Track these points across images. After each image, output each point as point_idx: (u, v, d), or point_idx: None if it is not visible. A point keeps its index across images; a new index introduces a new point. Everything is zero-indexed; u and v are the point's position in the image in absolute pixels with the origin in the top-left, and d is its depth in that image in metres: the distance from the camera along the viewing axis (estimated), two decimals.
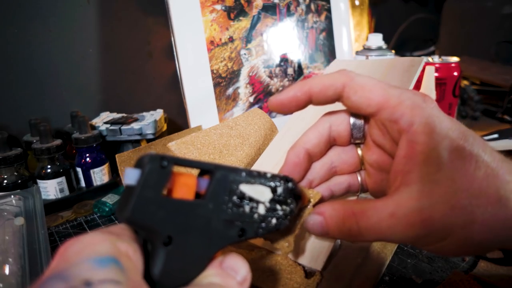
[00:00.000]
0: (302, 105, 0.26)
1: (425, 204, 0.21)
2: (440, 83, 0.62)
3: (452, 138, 0.22)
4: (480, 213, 0.20)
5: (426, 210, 0.21)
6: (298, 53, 0.73)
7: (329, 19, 0.78)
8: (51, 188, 0.54)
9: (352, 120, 0.28)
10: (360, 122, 0.27)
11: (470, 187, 0.21)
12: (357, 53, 0.72)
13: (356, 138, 0.28)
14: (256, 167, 0.39)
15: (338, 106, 0.27)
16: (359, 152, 0.29)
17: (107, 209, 0.50)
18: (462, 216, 0.21)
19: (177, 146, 0.39)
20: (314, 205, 0.26)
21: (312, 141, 0.28)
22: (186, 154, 0.39)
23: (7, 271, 0.33)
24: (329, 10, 0.78)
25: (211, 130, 0.43)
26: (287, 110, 0.27)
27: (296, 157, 0.28)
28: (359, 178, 0.30)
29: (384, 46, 0.70)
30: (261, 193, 0.23)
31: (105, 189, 0.57)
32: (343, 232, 0.23)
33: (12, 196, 0.44)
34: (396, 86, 0.24)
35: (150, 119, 0.62)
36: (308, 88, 0.25)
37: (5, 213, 0.41)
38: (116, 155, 0.44)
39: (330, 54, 0.78)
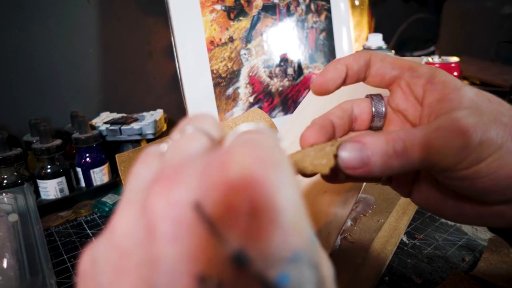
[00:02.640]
0: (341, 81, 0.26)
1: (470, 119, 0.20)
2: None
3: (470, 86, 0.23)
4: (511, 141, 0.20)
5: (472, 123, 0.20)
6: (298, 53, 0.73)
7: (329, 19, 0.78)
8: (51, 188, 0.54)
9: (373, 108, 0.28)
10: (382, 110, 0.28)
11: (500, 118, 0.21)
12: None
13: (375, 127, 0.28)
14: None
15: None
16: None
17: (107, 209, 0.50)
18: (507, 133, 0.20)
19: None
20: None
21: (336, 113, 0.27)
22: None
23: (5, 264, 0.33)
24: (329, 10, 0.78)
25: None
26: (329, 88, 0.26)
27: (322, 120, 0.27)
28: None
29: (384, 46, 0.70)
30: None
31: (105, 189, 0.57)
32: (385, 154, 0.21)
33: (4, 194, 0.45)
34: None
35: (150, 119, 0.62)
36: (343, 60, 0.26)
37: None
38: (116, 155, 0.44)
39: (330, 54, 0.78)
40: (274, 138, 0.13)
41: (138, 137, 0.60)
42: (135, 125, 0.60)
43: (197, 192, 0.10)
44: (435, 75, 0.24)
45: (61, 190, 0.55)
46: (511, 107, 0.22)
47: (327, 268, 0.12)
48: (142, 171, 0.13)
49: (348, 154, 0.21)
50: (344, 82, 0.27)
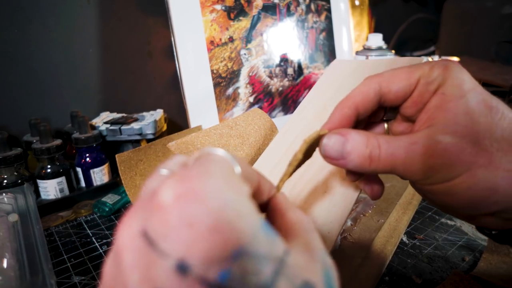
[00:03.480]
0: (353, 122, 0.26)
1: (446, 138, 0.21)
2: None
3: (479, 92, 0.22)
4: (499, 157, 0.21)
5: (446, 142, 0.21)
6: (298, 53, 0.73)
7: (329, 19, 0.78)
8: (51, 188, 0.54)
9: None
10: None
11: (494, 132, 0.21)
12: (357, 53, 0.72)
13: (388, 118, 0.28)
14: (256, 167, 0.39)
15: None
16: (385, 126, 0.29)
17: (107, 209, 0.50)
18: (481, 154, 0.21)
19: (177, 146, 0.39)
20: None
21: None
22: (186, 154, 0.39)
23: (5, 264, 0.33)
24: (329, 10, 0.78)
25: (211, 130, 0.43)
26: None
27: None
28: None
29: (384, 46, 0.70)
30: None
31: (105, 189, 0.57)
32: (362, 155, 0.22)
33: (4, 194, 0.45)
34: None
35: (150, 119, 0.62)
36: (351, 101, 0.25)
37: None
38: (116, 155, 0.44)
39: (330, 54, 0.78)
40: (212, 155, 0.15)
41: (138, 137, 0.60)
42: (135, 125, 0.60)
43: (143, 223, 0.12)
44: (446, 78, 0.23)
45: (61, 190, 0.55)
46: None
47: (294, 257, 0.13)
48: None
49: (330, 145, 0.23)
50: (356, 126, 0.25)
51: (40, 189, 0.54)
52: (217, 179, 0.13)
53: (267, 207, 0.20)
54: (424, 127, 0.23)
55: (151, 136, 0.61)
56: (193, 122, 0.62)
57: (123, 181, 0.45)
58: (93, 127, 0.60)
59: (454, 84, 0.23)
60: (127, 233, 0.13)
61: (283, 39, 0.71)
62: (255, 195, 0.18)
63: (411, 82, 0.24)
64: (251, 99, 0.68)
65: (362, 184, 0.29)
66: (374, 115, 0.28)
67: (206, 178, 0.13)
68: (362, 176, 0.28)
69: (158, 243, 0.12)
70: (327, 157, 0.24)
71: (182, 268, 0.11)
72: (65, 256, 0.42)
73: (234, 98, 0.66)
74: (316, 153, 0.41)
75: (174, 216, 0.12)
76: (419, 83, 0.24)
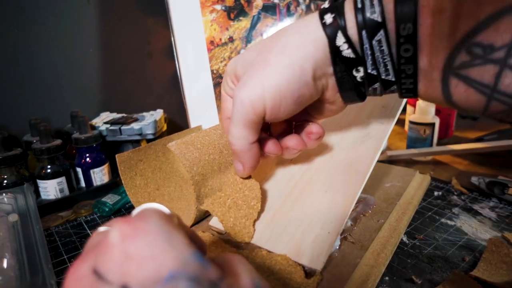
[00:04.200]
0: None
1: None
2: None
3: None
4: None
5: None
6: None
7: None
8: (51, 188, 0.54)
9: None
10: None
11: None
12: None
13: None
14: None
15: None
16: None
17: (107, 209, 0.50)
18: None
19: (177, 146, 0.39)
20: None
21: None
22: (186, 154, 0.39)
23: (5, 264, 0.33)
24: None
25: (211, 130, 0.43)
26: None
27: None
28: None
29: None
30: None
31: (105, 189, 0.57)
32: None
33: (4, 194, 0.45)
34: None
35: (150, 119, 0.62)
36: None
37: None
38: (116, 155, 0.44)
39: None
40: (150, 208, 0.18)
41: (138, 137, 0.60)
42: (135, 125, 0.60)
43: (92, 263, 0.15)
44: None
45: (61, 190, 0.55)
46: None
47: (227, 284, 0.16)
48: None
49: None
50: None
51: (40, 189, 0.54)
52: (155, 219, 0.16)
53: None
54: None
55: (151, 136, 0.61)
56: (193, 122, 0.62)
57: (123, 181, 0.45)
58: (93, 127, 0.60)
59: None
60: (79, 273, 0.15)
61: None
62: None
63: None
64: None
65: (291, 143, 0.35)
66: None
67: (146, 219, 0.16)
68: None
69: (105, 276, 0.15)
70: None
71: None
72: (65, 256, 0.42)
73: None
74: (317, 153, 0.42)
75: (118, 252, 0.15)
76: None
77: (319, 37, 0.27)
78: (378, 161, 0.44)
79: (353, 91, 0.29)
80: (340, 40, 0.27)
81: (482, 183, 0.51)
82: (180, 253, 0.15)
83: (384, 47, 0.26)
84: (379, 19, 0.25)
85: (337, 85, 0.29)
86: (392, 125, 0.39)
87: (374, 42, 0.26)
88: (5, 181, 0.52)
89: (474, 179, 0.53)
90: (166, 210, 0.19)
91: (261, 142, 0.34)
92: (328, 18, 0.27)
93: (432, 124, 0.66)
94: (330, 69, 0.28)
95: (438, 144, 0.72)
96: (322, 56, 0.28)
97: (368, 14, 0.25)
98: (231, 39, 0.65)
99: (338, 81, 0.29)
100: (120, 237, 0.15)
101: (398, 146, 0.76)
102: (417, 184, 0.49)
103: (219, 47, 0.64)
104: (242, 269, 0.18)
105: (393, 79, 0.27)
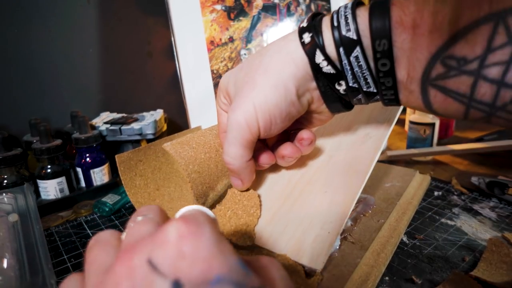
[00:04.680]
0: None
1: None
2: None
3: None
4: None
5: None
6: None
7: None
8: (51, 188, 0.54)
9: None
10: None
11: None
12: None
13: None
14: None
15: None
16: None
17: (107, 209, 0.50)
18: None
19: (172, 146, 0.39)
20: None
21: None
22: (182, 154, 0.39)
23: (5, 264, 0.33)
24: (329, 10, 0.78)
25: (206, 130, 0.43)
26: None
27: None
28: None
29: None
30: None
31: (105, 189, 0.57)
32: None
33: (4, 194, 0.44)
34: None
35: (150, 119, 0.62)
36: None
37: None
38: (116, 156, 0.44)
39: None
40: (200, 211, 0.19)
41: (138, 137, 0.60)
42: (135, 125, 0.60)
43: (147, 255, 0.16)
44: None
45: (61, 190, 0.55)
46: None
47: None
48: (100, 257, 0.18)
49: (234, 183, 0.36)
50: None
51: (40, 189, 0.54)
52: (207, 225, 0.17)
53: None
54: None
55: (151, 136, 0.61)
56: (193, 122, 0.62)
57: (123, 182, 0.45)
58: (93, 127, 0.60)
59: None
60: (132, 261, 0.16)
61: None
62: None
63: None
64: None
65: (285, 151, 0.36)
66: None
67: (200, 224, 0.17)
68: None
69: (160, 268, 0.16)
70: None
71: (177, 286, 0.15)
72: (65, 256, 0.42)
73: None
74: (317, 154, 0.42)
75: (174, 249, 0.16)
76: None
77: (300, 56, 0.29)
78: (378, 161, 0.44)
79: (338, 102, 0.31)
80: (319, 58, 0.28)
81: (482, 183, 0.51)
82: (227, 259, 0.16)
83: (362, 62, 0.27)
84: (354, 37, 0.26)
85: (322, 98, 0.31)
86: (392, 125, 0.39)
87: (351, 58, 0.27)
88: (5, 181, 0.52)
89: (474, 179, 0.53)
90: (211, 214, 0.20)
91: (256, 153, 0.35)
92: (306, 37, 0.28)
93: (432, 124, 0.66)
94: (313, 84, 0.30)
95: (438, 144, 0.72)
96: (303, 73, 0.29)
97: (343, 32, 0.26)
98: (231, 39, 0.65)
99: (323, 94, 0.30)
100: (177, 236, 0.16)
101: (398, 146, 0.76)
102: (417, 184, 0.49)
103: (219, 47, 0.64)
104: (278, 276, 0.19)
105: (375, 91, 0.28)
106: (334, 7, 0.78)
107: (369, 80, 0.27)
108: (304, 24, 0.29)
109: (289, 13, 0.72)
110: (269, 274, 0.18)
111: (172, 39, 0.60)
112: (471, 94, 0.24)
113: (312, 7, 0.75)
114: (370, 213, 0.41)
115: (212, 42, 0.63)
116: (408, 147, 0.69)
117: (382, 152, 0.66)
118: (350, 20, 0.26)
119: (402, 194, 0.45)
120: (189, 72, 0.61)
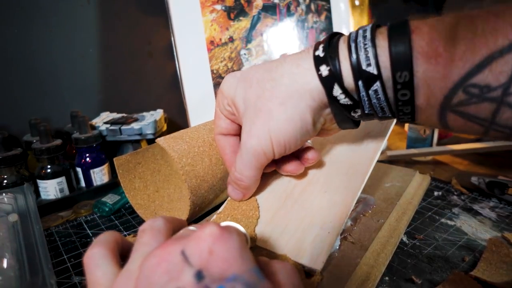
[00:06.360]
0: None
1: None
2: None
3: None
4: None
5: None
6: None
7: (329, 19, 0.78)
8: (51, 188, 0.54)
9: None
10: None
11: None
12: None
13: None
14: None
15: None
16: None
17: (107, 209, 0.50)
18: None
19: (165, 141, 0.39)
20: None
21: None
22: (175, 147, 0.39)
23: (5, 264, 0.33)
24: (329, 10, 0.78)
25: (200, 126, 0.44)
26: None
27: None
28: None
29: None
30: None
31: (105, 189, 0.57)
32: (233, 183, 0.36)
33: (4, 194, 0.44)
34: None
35: (150, 119, 0.62)
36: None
37: None
38: (114, 159, 0.44)
39: None
40: (234, 226, 0.24)
41: (138, 137, 0.60)
42: (135, 125, 0.60)
43: (182, 247, 0.20)
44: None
45: (61, 190, 0.55)
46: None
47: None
48: (144, 247, 0.22)
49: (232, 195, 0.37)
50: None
51: (40, 189, 0.54)
52: (236, 235, 0.20)
53: None
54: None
55: (151, 136, 0.61)
56: (193, 122, 0.62)
57: (122, 184, 0.45)
58: (93, 127, 0.60)
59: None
60: (169, 250, 0.20)
61: (283, 39, 0.71)
62: None
63: None
64: None
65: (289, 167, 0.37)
66: None
67: (231, 232, 0.20)
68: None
69: (189, 259, 0.19)
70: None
71: (199, 276, 0.18)
72: (65, 256, 0.42)
73: None
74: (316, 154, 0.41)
75: (205, 246, 0.19)
76: None
77: (316, 87, 0.29)
78: (378, 161, 0.44)
79: (350, 123, 0.32)
80: (337, 91, 0.28)
81: (482, 183, 0.51)
82: (245, 264, 0.19)
83: (381, 95, 0.27)
84: (375, 72, 0.26)
85: (335, 121, 0.31)
86: (392, 125, 0.39)
87: (370, 91, 0.27)
88: (5, 181, 0.52)
89: (474, 179, 0.53)
90: (243, 230, 0.27)
91: None
92: (324, 70, 0.28)
93: None
94: (328, 110, 0.30)
95: (438, 144, 0.72)
96: (319, 103, 0.29)
97: (363, 67, 0.26)
98: (231, 39, 0.65)
99: (336, 118, 0.31)
100: (210, 236, 0.19)
101: (398, 146, 0.76)
102: (417, 184, 0.49)
103: (219, 47, 0.64)
104: (287, 283, 0.21)
105: (390, 115, 0.29)
106: (334, 7, 0.78)
107: (386, 109, 0.28)
108: (320, 53, 0.28)
109: (289, 13, 0.72)
110: (278, 280, 0.21)
111: (172, 39, 0.60)
112: (492, 119, 0.24)
113: (312, 7, 0.75)
114: (370, 213, 0.41)
115: (212, 42, 0.63)
116: (408, 147, 0.69)
117: (382, 152, 0.66)
118: (370, 54, 0.25)
119: (402, 194, 0.45)
120: (189, 72, 0.61)
